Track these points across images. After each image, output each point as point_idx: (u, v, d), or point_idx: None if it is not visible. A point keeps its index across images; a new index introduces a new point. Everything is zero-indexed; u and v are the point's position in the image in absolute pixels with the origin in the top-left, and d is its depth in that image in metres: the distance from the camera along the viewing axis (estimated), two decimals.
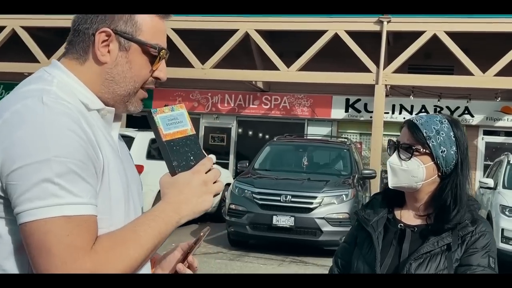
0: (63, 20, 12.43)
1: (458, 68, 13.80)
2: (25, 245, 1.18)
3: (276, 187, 9.47)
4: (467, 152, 1.99)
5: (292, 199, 9.19)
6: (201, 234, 1.44)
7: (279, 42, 14.83)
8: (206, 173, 1.34)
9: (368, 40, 13.47)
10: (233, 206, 9.58)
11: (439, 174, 1.97)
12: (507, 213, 8.89)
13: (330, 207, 9.22)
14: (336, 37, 13.13)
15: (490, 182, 10.00)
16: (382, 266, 1.96)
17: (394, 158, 1.99)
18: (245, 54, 15.28)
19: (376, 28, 13.09)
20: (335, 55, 13.89)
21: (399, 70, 13.23)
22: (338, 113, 16.23)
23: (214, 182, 1.35)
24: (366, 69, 13.18)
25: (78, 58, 1.35)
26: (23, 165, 1.16)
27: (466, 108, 15.30)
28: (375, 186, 12.67)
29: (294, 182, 9.70)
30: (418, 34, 12.74)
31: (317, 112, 16.36)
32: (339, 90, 15.40)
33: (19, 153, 1.17)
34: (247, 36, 13.79)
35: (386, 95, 13.74)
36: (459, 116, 15.06)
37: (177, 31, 13.49)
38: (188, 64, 13.77)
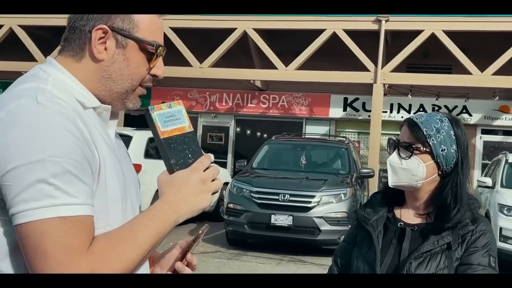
0: (61, 19, 12.38)
1: (456, 67, 13.81)
2: (21, 247, 1.16)
3: (274, 186, 9.46)
4: (467, 150, 1.98)
5: (291, 198, 9.18)
6: (200, 232, 1.43)
7: (277, 41, 14.82)
8: (204, 171, 1.32)
9: (366, 39, 13.47)
10: (231, 205, 9.58)
11: (439, 172, 1.96)
12: (505, 212, 8.89)
13: (328, 206, 9.22)
14: (334, 36, 13.13)
15: (488, 181, 10.01)
16: (382, 265, 1.95)
17: (394, 156, 1.98)
18: (243, 53, 15.27)
19: (374, 27, 13.09)
20: (333, 54, 13.89)
21: (397, 69, 13.23)
22: (336, 112, 16.23)
23: (213, 180, 1.33)
24: (364, 68, 13.18)
25: (74, 55, 1.33)
26: (17, 166, 1.14)
27: (464, 107, 15.31)
28: (373, 185, 12.67)
29: (292, 181, 9.69)
30: (416, 33, 12.74)
31: (315, 111, 16.35)
32: (337, 89, 15.40)
33: (13, 153, 1.15)
34: (245, 35, 13.78)
35: (384, 94, 13.74)
36: (457, 115, 15.07)
37: (175, 30, 13.47)
38: (186, 63, 13.76)
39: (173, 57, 12.47)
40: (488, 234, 1.93)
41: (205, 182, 1.31)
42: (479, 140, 15.61)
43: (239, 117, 17.19)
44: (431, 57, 14.90)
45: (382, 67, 13.04)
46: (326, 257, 9.11)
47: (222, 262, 8.65)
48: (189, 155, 1.33)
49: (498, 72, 12.40)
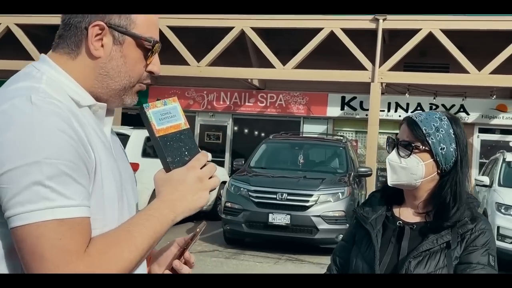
0: (58, 18, 12.32)
1: (453, 66, 13.82)
2: (17, 250, 1.15)
3: (272, 185, 9.46)
4: (466, 149, 1.98)
5: (288, 197, 9.18)
6: (198, 230, 1.42)
7: (274, 40, 14.81)
8: (201, 168, 1.31)
9: (363, 38, 13.47)
10: (229, 204, 9.57)
11: (439, 171, 1.96)
12: (502, 211, 8.90)
13: (326, 205, 9.21)
14: (331, 35, 13.12)
15: (486, 180, 10.01)
16: (381, 264, 1.95)
17: (393, 155, 1.98)
18: (240, 52, 15.26)
19: (372, 26, 13.09)
20: (331, 53, 13.88)
21: (394, 68, 13.23)
22: (333, 111, 16.24)
23: (210, 178, 1.32)
24: (361, 67, 13.18)
25: (70, 52, 1.31)
26: (13, 168, 1.13)
27: (462, 106, 15.32)
28: (371, 184, 12.68)
29: (290, 180, 9.68)
30: (413, 32, 12.75)
31: (313, 110, 16.35)
32: (334, 88, 15.40)
33: (8, 155, 1.13)
34: (242, 34, 13.77)
35: (382, 93, 13.74)
36: (455, 114, 15.05)
37: (173, 29, 13.45)
38: (184, 62, 13.74)
39: (171, 56, 12.47)
40: (487, 233, 1.93)
41: (202, 180, 1.30)
42: (476, 139, 15.62)
43: (237, 116, 17.19)
44: (429, 56, 14.91)
45: (379, 66, 13.05)
46: (324, 256, 9.11)
47: (219, 261, 8.64)
48: (186, 153, 1.31)
49: (495, 71, 12.41)
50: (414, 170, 1.94)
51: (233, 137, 17.30)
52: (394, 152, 1.98)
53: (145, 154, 10.28)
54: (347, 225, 9.17)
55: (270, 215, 9.11)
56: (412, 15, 12.10)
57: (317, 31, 13.18)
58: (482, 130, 15.65)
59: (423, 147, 1.93)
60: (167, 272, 1.43)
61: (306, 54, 13.25)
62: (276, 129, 13.76)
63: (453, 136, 1.95)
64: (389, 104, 15.73)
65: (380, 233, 1.99)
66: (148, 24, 1.34)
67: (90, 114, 1.30)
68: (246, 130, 17.50)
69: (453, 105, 15.33)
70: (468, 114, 15.30)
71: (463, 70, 12.72)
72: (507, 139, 15.52)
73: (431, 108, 15.34)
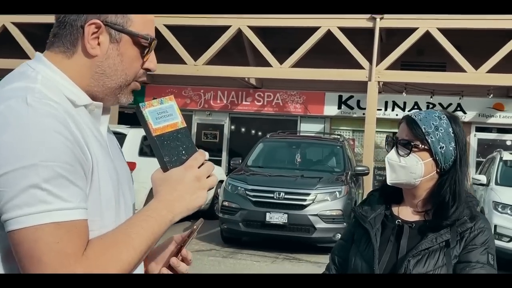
0: (54, 16, 12.33)
1: (450, 65, 13.83)
2: (15, 253, 1.14)
3: (269, 184, 9.45)
4: (465, 148, 1.97)
5: (286, 196, 9.17)
6: (195, 227, 1.41)
7: (271, 39, 14.81)
8: (198, 167, 1.30)
9: (361, 37, 13.47)
10: (226, 203, 9.56)
11: (438, 170, 1.95)
12: (499, 209, 8.92)
13: (323, 204, 9.21)
14: (329, 33, 13.12)
15: (483, 178, 10.03)
16: (380, 262, 1.94)
17: (392, 154, 1.97)
18: (237, 51, 15.25)
19: (369, 24, 13.09)
20: (328, 52, 13.88)
21: (391, 66, 13.24)
22: (331, 109, 16.24)
23: (208, 177, 1.31)
24: (359, 66, 13.18)
25: (65, 51, 1.29)
26: (9, 171, 1.12)
27: (459, 105, 15.35)
28: (368, 183, 12.69)
29: (287, 179, 9.68)
30: (410, 31, 12.75)
31: (310, 108, 16.35)
32: (331, 86, 15.40)
33: (4, 158, 1.12)
34: (239, 32, 13.75)
35: (379, 92, 13.75)
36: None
37: (170, 27, 13.43)
38: (181, 61, 13.72)
39: (168, 55, 12.44)
40: (486, 231, 1.92)
41: (200, 179, 1.29)
42: (473, 138, 15.65)
43: (234, 115, 17.18)
44: (426, 54, 14.92)
45: (376, 65, 13.05)
46: (321, 255, 9.11)
47: (217, 260, 8.64)
48: (183, 152, 1.30)
49: (492, 70, 12.43)
50: (413, 169, 1.93)
51: (230, 136, 17.29)
52: (393, 151, 1.97)
53: (142, 153, 10.26)
54: (344, 224, 9.19)
55: (268, 214, 9.10)
56: (409, 14, 12.11)
57: (314, 29, 13.18)
58: (479, 129, 15.68)
59: (423, 146, 1.93)
60: (165, 269, 1.42)
61: (303, 53, 13.24)
62: (273, 128, 13.76)
63: (452, 135, 1.94)
64: (386, 103, 15.74)
65: (379, 232, 1.99)
66: (144, 22, 1.33)
67: (86, 113, 1.29)
68: (243, 129, 17.50)
69: (450, 104, 15.35)
70: (465, 113, 15.32)
71: (460, 69, 12.73)
72: (504, 137, 15.56)
73: (428, 107, 15.36)
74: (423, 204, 1.99)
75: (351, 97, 15.97)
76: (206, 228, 10.24)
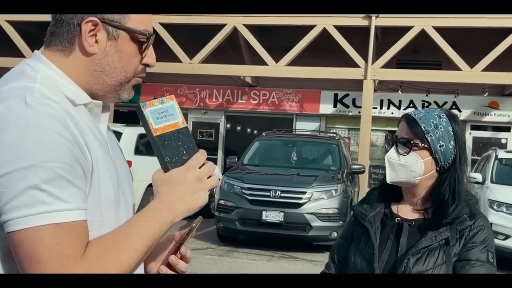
0: (49, 15, 12.28)
1: (446, 63, 13.86)
2: (14, 254, 1.14)
3: (265, 183, 9.45)
4: (465, 146, 1.98)
5: (282, 195, 9.17)
6: (193, 224, 1.41)
7: (267, 37, 14.80)
8: (199, 168, 1.29)
9: (356, 35, 13.48)
10: (222, 202, 9.55)
11: (437, 168, 1.95)
12: (495, 207, 8.95)
13: (319, 202, 9.22)
14: (324, 32, 13.12)
15: (478, 176, 10.06)
16: (380, 261, 1.94)
17: (392, 152, 1.97)
18: (233, 49, 15.23)
19: (365, 23, 13.10)
20: (324, 50, 13.89)
21: (387, 65, 13.25)
22: (326, 108, 16.25)
23: (208, 177, 1.30)
24: (354, 64, 13.19)
25: (63, 50, 1.28)
26: (8, 172, 1.11)
27: (454, 103, 15.38)
28: (363, 181, 12.71)
29: (283, 178, 9.68)
30: (406, 29, 12.77)
31: (306, 107, 16.36)
32: (327, 85, 15.41)
33: (4, 158, 1.12)
34: (235, 31, 13.74)
35: (374, 90, 13.76)
36: None
37: (165, 26, 13.40)
38: (176, 59, 13.70)
39: (163, 53, 12.40)
40: (486, 229, 1.93)
41: (201, 179, 1.28)
42: (468, 136, 15.69)
43: (229, 113, 17.17)
44: (421, 53, 14.95)
45: (372, 63, 13.06)
46: (317, 253, 9.13)
47: (213, 259, 8.63)
48: (184, 152, 1.30)
49: (487, 68, 12.46)
50: (413, 168, 1.93)
51: (226, 135, 17.29)
52: (393, 150, 1.98)
53: (137, 151, 10.25)
54: (340, 222, 9.20)
55: (264, 212, 9.10)
56: (404, 14, 12.13)
57: (309, 28, 13.18)
58: (474, 127, 15.73)
59: (422, 145, 1.93)
60: (163, 267, 1.41)
61: (298, 51, 13.24)
62: (269, 127, 13.75)
63: (452, 133, 1.95)
64: (381, 101, 15.76)
65: (378, 230, 1.99)
66: (141, 17, 1.32)
67: (85, 112, 1.29)
68: (238, 128, 17.49)
69: (445, 102, 15.38)
70: (460, 111, 15.35)
71: (455, 68, 12.75)
72: (499, 136, 15.61)
73: (423, 105, 15.39)
74: (422, 202, 2.00)
75: (347, 95, 15.98)
76: (202, 226, 10.22)
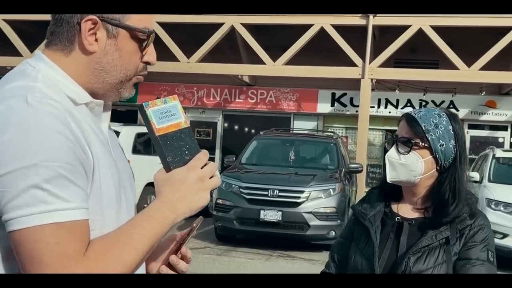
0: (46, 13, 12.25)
1: (443, 63, 13.87)
2: (15, 253, 1.14)
3: (263, 182, 9.45)
4: (465, 145, 1.98)
5: (280, 194, 9.18)
6: (194, 224, 1.41)
7: (265, 36, 14.79)
8: (202, 168, 1.29)
9: (354, 34, 13.48)
10: (220, 201, 9.55)
11: (438, 168, 1.96)
12: (493, 206, 8.97)
13: (317, 201, 9.23)
14: (322, 31, 13.12)
15: (476, 175, 10.07)
16: (380, 260, 1.95)
17: (392, 152, 1.97)
18: (231, 48, 15.22)
19: (362, 22, 13.10)
20: (321, 49, 13.89)
21: (384, 64, 13.26)
22: (324, 107, 16.25)
23: (210, 177, 1.30)
24: (352, 63, 13.19)
25: (63, 49, 1.28)
26: (9, 171, 1.11)
27: (451, 102, 15.39)
28: (361, 180, 12.72)
29: (281, 177, 9.69)
30: (403, 29, 12.78)
31: (303, 106, 16.36)
32: (325, 84, 15.41)
33: (5, 158, 1.12)
34: (233, 30, 13.73)
35: (372, 89, 13.76)
36: None
37: (163, 25, 13.38)
38: (174, 58, 13.68)
39: (161, 52, 12.35)
40: (486, 229, 1.93)
41: (203, 180, 1.28)
42: (466, 135, 15.69)
43: (227, 112, 17.16)
44: (419, 52, 14.95)
45: (369, 62, 13.07)
46: (315, 252, 9.14)
47: (211, 258, 8.63)
48: (186, 152, 1.29)
49: (485, 67, 12.47)
50: (413, 167, 1.94)
51: (223, 134, 17.28)
52: (393, 149, 1.98)
53: (135, 151, 10.25)
54: (338, 221, 9.22)
55: (262, 211, 9.11)
56: (401, 14, 12.14)
57: (307, 27, 13.18)
58: (471, 126, 15.74)
59: (423, 144, 1.93)
60: (164, 267, 1.41)
61: (296, 51, 13.24)
62: (267, 126, 13.75)
63: (452, 132, 1.95)
64: (379, 100, 15.76)
65: (379, 229, 2.00)
66: (141, 15, 1.32)
67: (86, 111, 1.28)
68: (236, 127, 17.48)
69: (442, 101, 15.40)
70: (457, 110, 15.36)
71: (452, 67, 12.77)
72: (496, 135, 15.63)
73: (420, 105, 15.40)
74: (422, 201, 2.00)
75: (344, 94, 15.98)
76: (200, 226, 10.23)
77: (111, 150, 1.32)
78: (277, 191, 9.19)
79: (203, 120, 17.28)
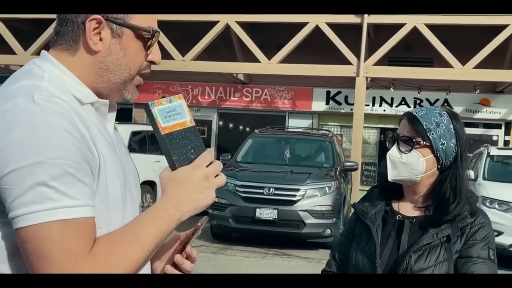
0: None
1: (437, 61, 13.90)
2: (22, 251, 1.14)
3: (259, 180, 9.46)
4: (466, 144, 1.99)
5: (275, 192, 9.19)
6: (199, 224, 1.41)
7: (260, 34, 14.79)
8: (207, 166, 1.30)
9: (348, 33, 13.49)
10: (215, 199, 9.49)
11: (439, 166, 1.97)
12: (487, 204, 9.00)
13: (313, 200, 9.24)
14: (317, 29, 13.13)
15: (471, 173, 10.11)
16: (381, 258, 1.96)
17: (393, 150, 1.98)
18: (225, 46, 15.21)
19: (357, 20, 13.11)
20: (316, 48, 13.90)
21: (379, 62, 13.28)
22: (319, 105, 16.26)
23: (216, 176, 1.31)
24: (346, 62, 13.21)
25: (68, 49, 1.29)
26: (16, 168, 1.12)
27: (446, 100, 15.44)
28: (356, 178, 12.75)
29: (277, 175, 9.70)
30: (398, 27, 12.80)
31: (298, 104, 16.36)
32: (320, 82, 15.42)
33: (12, 156, 1.12)
34: (227, 28, 13.71)
35: (367, 88, 13.79)
36: None
37: (157, 23, 13.34)
38: (169, 56, 13.65)
39: None
40: (486, 227, 1.95)
41: (208, 178, 1.29)
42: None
43: (222, 110, 17.14)
44: (413, 50, 14.98)
45: (364, 61, 13.08)
46: (311, 250, 9.15)
47: (207, 256, 8.63)
48: (191, 151, 1.30)
49: (479, 66, 12.52)
50: (414, 166, 1.95)
51: (219, 132, 17.26)
52: (394, 148, 1.98)
53: (130, 149, 10.18)
54: (334, 219, 9.24)
55: (257, 209, 9.11)
56: (396, 14, 12.16)
57: (302, 25, 13.18)
58: (465, 124, 15.38)
59: (424, 143, 1.94)
60: (169, 266, 1.42)
61: (291, 49, 13.24)
62: (262, 124, 13.75)
63: (453, 131, 1.96)
64: (373, 98, 15.78)
65: (380, 228, 2.00)
66: (145, 14, 1.33)
67: (92, 111, 1.29)
68: (231, 125, 17.48)
69: (437, 100, 15.44)
70: (452, 108, 15.41)
71: (447, 65, 12.80)
72: (490, 133, 15.69)
73: (415, 103, 15.44)
74: (423, 200, 2.01)
75: (339, 92, 16.00)
76: (195, 224, 10.24)
77: (117, 150, 1.33)
78: (273, 189, 9.20)
79: (198, 118, 17.25)
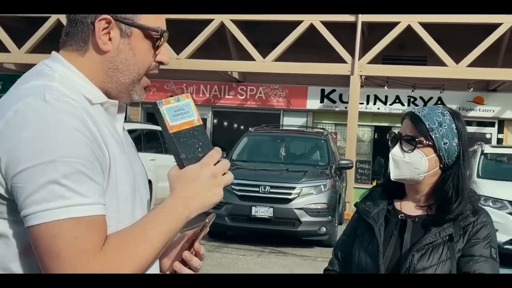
0: None
1: (431, 59, 13.96)
2: (34, 248, 1.15)
3: (254, 178, 9.46)
4: (468, 144, 2.01)
5: (271, 190, 9.20)
6: (207, 220, 1.43)
7: (254, 32, 14.79)
8: (214, 165, 1.31)
9: (343, 31, 13.53)
10: None
11: (441, 166, 1.98)
12: (482, 202, 9.04)
13: (308, 198, 9.26)
14: (311, 27, 13.16)
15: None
16: (384, 257, 1.97)
17: (396, 150, 1.99)
18: (220, 44, 15.21)
19: (351, 18, 13.15)
20: (311, 46, 13.92)
21: (373, 61, 13.32)
22: (313, 103, 16.29)
23: (223, 174, 1.32)
24: (341, 60, 13.24)
25: (78, 49, 1.30)
26: (28, 167, 1.13)
27: (440, 99, 15.50)
28: (350, 176, 12.79)
29: (272, 173, 9.71)
30: (392, 25, 12.84)
31: (293, 102, 16.39)
32: (314, 80, 15.45)
33: (24, 154, 1.13)
34: (222, 26, 13.72)
35: (361, 86, 13.83)
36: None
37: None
38: None
39: None
40: (488, 226, 1.96)
41: (216, 176, 1.30)
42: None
43: (217, 108, 17.15)
44: (407, 49, 15.03)
45: (359, 59, 13.12)
46: (306, 248, 9.18)
47: None
48: (199, 149, 1.32)
49: (472, 64, 12.58)
50: (417, 165, 1.96)
51: (213, 130, 17.27)
52: (397, 147, 2.00)
53: None
54: (329, 217, 9.25)
55: (253, 208, 9.13)
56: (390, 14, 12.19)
57: (297, 23, 13.20)
58: None
59: (427, 142, 1.96)
60: (177, 263, 1.43)
61: (286, 47, 13.26)
62: (256, 122, 13.76)
63: (456, 131, 1.98)
64: (368, 96, 15.83)
65: (382, 227, 2.01)
66: (154, 14, 1.34)
67: (102, 111, 1.31)
68: (226, 123, 17.48)
69: (431, 98, 15.50)
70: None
71: (441, 63, 12.86)
72: (483, 131, 15.77)
73: (409, 101, 15.50)
74: (425, 199, 2.02)
75: (334, 91, 16.03)
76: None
77: (126, 150, 1.34)
78: (269, 188, 9.21)
79: None
